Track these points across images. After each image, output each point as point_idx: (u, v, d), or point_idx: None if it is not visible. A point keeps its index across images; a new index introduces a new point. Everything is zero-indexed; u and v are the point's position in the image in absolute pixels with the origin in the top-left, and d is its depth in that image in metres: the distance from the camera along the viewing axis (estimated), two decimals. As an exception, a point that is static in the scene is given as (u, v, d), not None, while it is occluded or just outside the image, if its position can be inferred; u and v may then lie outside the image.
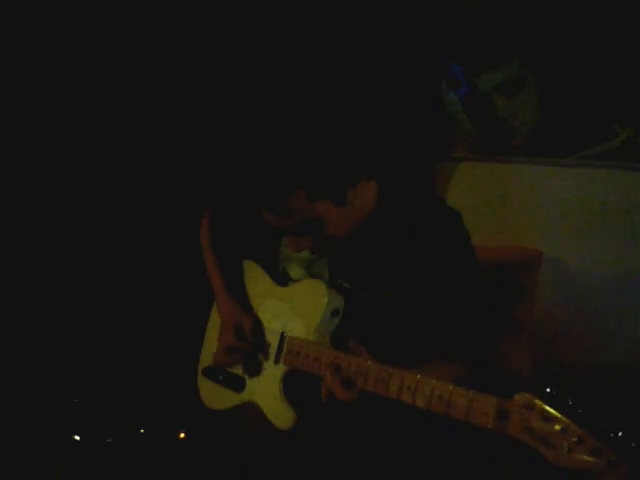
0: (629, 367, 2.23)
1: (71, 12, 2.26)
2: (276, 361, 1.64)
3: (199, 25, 2.35)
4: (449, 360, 1.51)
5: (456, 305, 1.52)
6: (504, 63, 2.39)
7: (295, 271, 1.73)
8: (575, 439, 1.03)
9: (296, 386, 1.59)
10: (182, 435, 2.09)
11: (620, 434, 1.00)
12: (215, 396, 1.80)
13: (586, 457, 1.02)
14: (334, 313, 1.57)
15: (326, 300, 1.55)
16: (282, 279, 1.76)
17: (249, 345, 1.68)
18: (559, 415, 1.06)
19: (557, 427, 1.06)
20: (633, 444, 0.99)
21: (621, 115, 2.27)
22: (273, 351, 1.66)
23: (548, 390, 1.09)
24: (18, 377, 2.27)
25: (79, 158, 2.39)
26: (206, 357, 1.85)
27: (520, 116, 2.40)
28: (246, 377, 1.72)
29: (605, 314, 2.34)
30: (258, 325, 1.71)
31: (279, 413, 1.59)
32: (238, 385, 1.73)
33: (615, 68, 2.25)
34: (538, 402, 1.09)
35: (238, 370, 1.74)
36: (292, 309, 1.64)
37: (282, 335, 1.64)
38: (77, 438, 2.05)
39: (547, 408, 1.08)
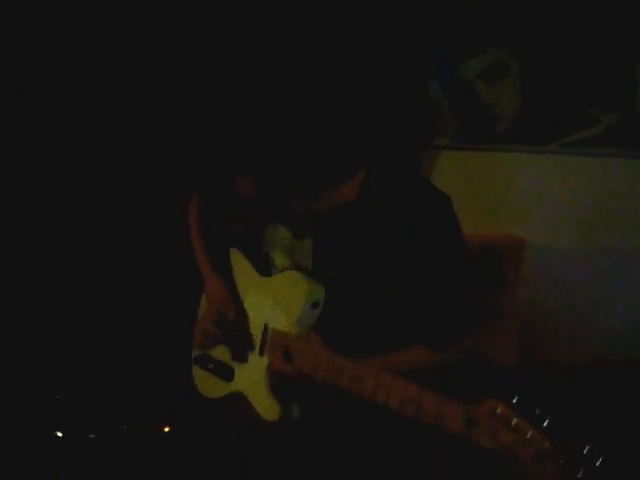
0: (613, 363, 2.18)
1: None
2: (260, 353, 1.62)
3: (180, 19, 2.28)
4: (432, 348, 1.49)
5: (444, 292, 1.48)
6: (487, 49, 2.30)
7: (278, 258, 1.69)
8: (541, 450, 0.99)
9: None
10: (166, 429, 2.09)
11: (587, 448, 0.95)
12: (208, 384, 1.80)
13: (551, 469, 0.98)
14: (314, 305, 1.53)
15: (305, 293, 1.52)
16: (266, 266, 1.72)
17: (232, 319, 1.68)
18: (525, 424, 1.02)
19: (523, 437, 1.01)
20: (598, 461, 0.93)
21: (604, 101, 2.18)
22: (258, 343, 1.64)
23: (515, 400, 1.04)
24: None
25: (61, 148, 2.37)
26: (198, 345, 1.85)
27: (504, 103, 2.32)
28: (235, 367, 1.71)
29: (586, 302, 2.30)
30: (243, 313, 1.70)
31: (265, 405, 1.58)
32: (228, 374, 1.72)
33: (598, 53, 2.16)
34: (505, 410, 1.05)
35: (227, 359, 1.73)
36: (274, 301, 1.61)
37: (265, 327, 1.62)
38: (59, 435, 2.07)
39: (513, 416, 1.03)
